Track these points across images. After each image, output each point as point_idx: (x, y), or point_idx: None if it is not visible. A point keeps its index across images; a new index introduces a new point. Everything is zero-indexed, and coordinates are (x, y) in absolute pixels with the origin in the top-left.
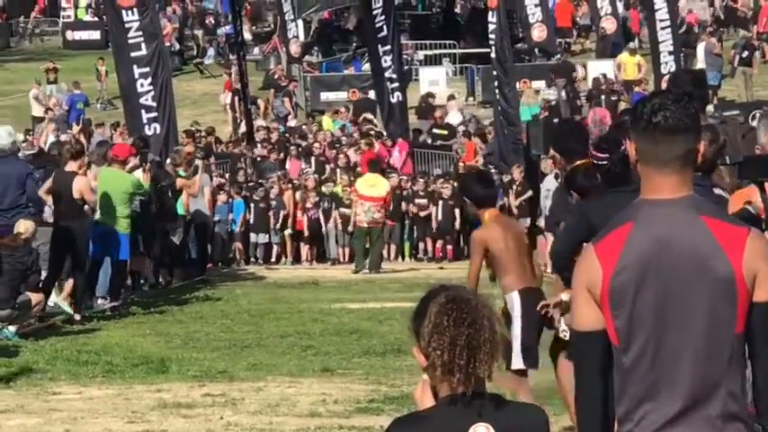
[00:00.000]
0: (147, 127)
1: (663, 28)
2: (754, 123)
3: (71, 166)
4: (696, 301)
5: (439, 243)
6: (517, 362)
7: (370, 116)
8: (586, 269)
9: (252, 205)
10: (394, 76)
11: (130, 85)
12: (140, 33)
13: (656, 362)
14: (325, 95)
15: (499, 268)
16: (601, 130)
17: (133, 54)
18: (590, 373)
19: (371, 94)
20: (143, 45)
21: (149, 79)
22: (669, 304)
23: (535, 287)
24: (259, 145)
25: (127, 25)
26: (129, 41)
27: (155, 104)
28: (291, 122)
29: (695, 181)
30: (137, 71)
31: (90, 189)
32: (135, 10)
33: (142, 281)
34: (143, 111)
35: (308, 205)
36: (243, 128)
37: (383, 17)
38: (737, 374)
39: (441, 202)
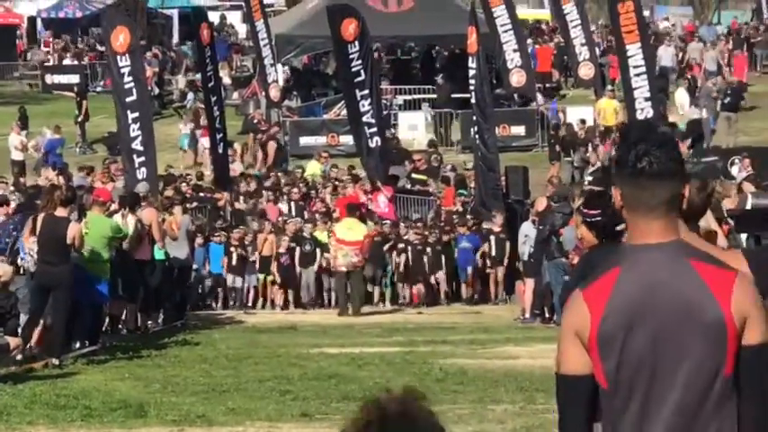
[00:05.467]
0: (138, 171)
1: (637, 74)
2: (733, 169)
3: (61, 212)
4: (685, 345)
5: (416, 288)
6: None
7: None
8: (575, 314)
9: (230, 249)
10: (372, 120)
11: (125, 130)
12: (131, 78)
13: (645, 406)
14: (305, 140)
15: None
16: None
17: (127, 99)
18: (574, 417)
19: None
20: (133, 90)
21: (138, 124)
22: (658, 349)
23: None
24: (237, 189)
25: (122, 71)
26: (125, 86)
27: (142, 149)
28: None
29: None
30: (130, 116)
31: (82, 236)
32: (127, 56)
33: (120, 325)
34: (134, 155)
35: (281, 250)
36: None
37: (360, 62)
38: (727, 417)
39: (409, 248)
